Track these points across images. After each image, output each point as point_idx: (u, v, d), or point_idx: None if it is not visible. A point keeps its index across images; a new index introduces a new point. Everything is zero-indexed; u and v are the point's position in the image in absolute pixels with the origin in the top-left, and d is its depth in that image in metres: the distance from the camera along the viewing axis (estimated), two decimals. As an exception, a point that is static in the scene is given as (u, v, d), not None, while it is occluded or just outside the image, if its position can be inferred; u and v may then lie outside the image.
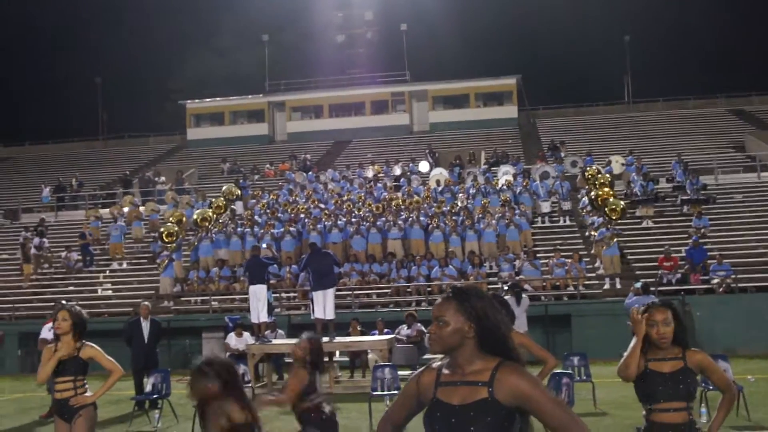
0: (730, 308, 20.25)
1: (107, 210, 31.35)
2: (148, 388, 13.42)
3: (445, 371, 3.23)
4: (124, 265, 27.55)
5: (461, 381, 3.16)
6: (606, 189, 23.28)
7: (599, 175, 24.87)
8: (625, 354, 5.03)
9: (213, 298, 23.51)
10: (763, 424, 10.56)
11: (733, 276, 21.07)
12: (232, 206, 28.87)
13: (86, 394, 6.83)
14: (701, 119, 41.61)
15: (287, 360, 16.60)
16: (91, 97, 56.58)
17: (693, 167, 29.15)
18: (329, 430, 6.86)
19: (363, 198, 28.18)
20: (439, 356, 3.31)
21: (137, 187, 35.75)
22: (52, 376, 6.87)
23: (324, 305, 15.88)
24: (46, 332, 14.49)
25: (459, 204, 26.75)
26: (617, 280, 22.13)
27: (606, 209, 22.65)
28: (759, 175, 29.55)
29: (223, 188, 29.13)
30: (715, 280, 21.21)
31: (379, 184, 30.63)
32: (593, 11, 64.35)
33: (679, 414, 4.80)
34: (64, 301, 12.79)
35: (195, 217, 25.56)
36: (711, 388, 9.86)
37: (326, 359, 14.20)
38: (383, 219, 25.48)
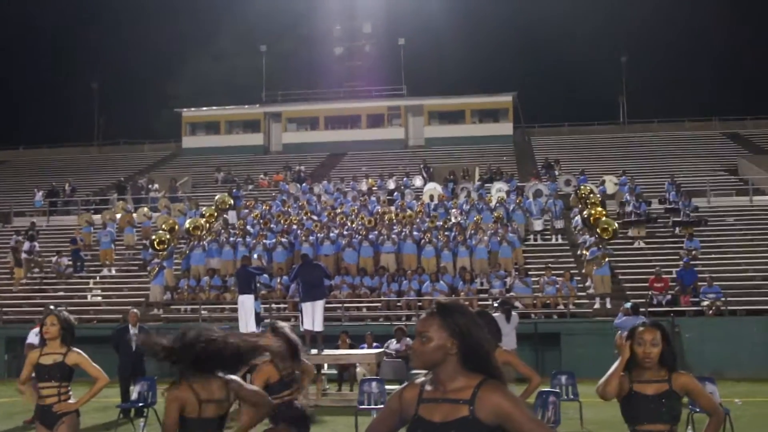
0: (720, 331, 20.26)
1: (99, 216, 31.28)
2: (134, 396, 13.35)
3: (428, 387, 3.23)
4: (113, 272, 27.46)
5: (443, 398, 3.15)
6: (599, 208, 23.35)
7: (591, 195, 24.96)
8: (608, 373, 5.05)
9: (203, 307, 23.45)
10: (748, 448, 10.56)
11: (723, 299, 21.10)
12: (225, 216, 28.86)
13: (70, 400, 6.76)
14: (695, 141, 41.82)
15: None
16: (88, 103, 56.65)
17: (686, 189, 29.26)
18: (300, 427, 6.74)
19: (356, 211, 28.20)
20: (425, 372, 3.32)
21: (129, 194, 35.71)
22: (35, 382, 6.81)
23: (313, 317, 15.83)
24: (33, 337, 14.41)
25: (452, 219, 26.77)
26: (607, 299, 22.13)
27: (598, 229, 22.71)
28: (751, 198, 29.71)
29: (216, 198, 29.16)
30: (705, 303, 21.24)
31: (372, 198, 30.65)
32: (591, 32, 64.62)
33: (663, 437, 4.82)
34: (52, 306, 12.77)
35: (187, 225, 25.53)
36: (697, 410, 9.87)
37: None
38: (375, 232, 25.47)
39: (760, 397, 15.83)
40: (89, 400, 7.10)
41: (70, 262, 27.35)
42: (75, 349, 6.88)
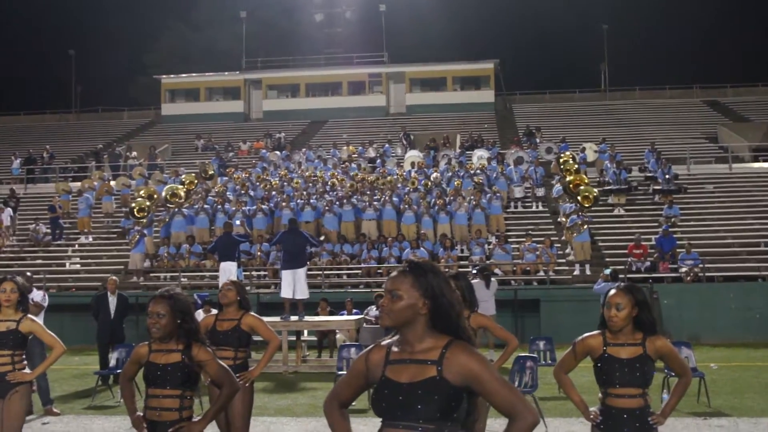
0: (697, 297, 20.45)
1: (78, 183, 31.01)
2: (112, 362, 13.31)
3: (395, 349, 3.19)
4: (90, 239, 27.24)
5: (410, 359, 3.12)
6: (578, 175, 23.38)
7: (571, 162, 25.01)
8: (566, 384, 5.32)
9: (183, 274, 23.38)
10: (722, 410, 10.69)
11: (700, 265, 21.27)
12: (204, 184, 28.72)
13: (25, 370, 6.48)
14: (676, 109, 41.91)
15: (255, 338, 16.56)
16: (65, 70, 55.97)
17: (666, 156, 29.36)
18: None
19: (336, 175, 28.15)
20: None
21: (107, 162, 35.43)
22: None
23: (294, 285, 15.78)
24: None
25: (435, 176, 26.80)
26: (587, 266, 22.26)
27: (578, 196, 22.76)
28: (730, 166, 29.88)
29: (198, 165, 28.98)
30: (683, 269, 21.41)
31: (353, 165, 30.56)
32: (573, -1, 64.49)
33: (634, 400, 4.83)
34: (29, 273, 12.64)
35: (164, 193, 25.38)
36: (673, 374, 9.96)
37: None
38: (357, 197, 25.42)
39: (736, 361, 16.02)
40: (45, 370, 6.91)
41: (49, 230, 27.14)
42: (30, 316, 6.58)
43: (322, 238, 22.41)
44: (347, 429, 3.38)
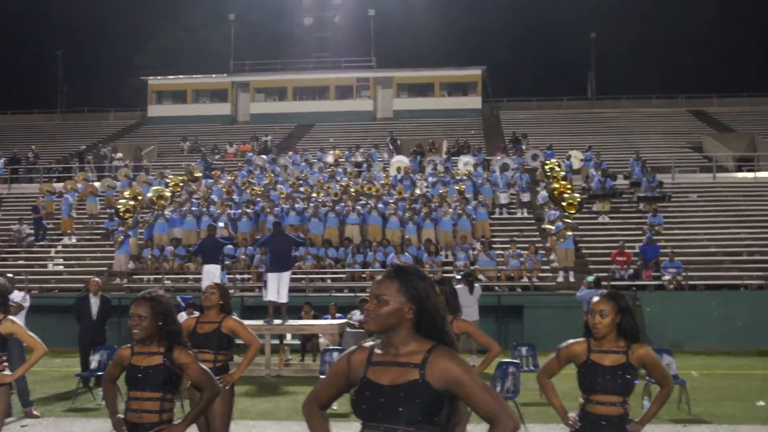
0: (679, 305, 20.55)
1: (62, 184, 30.83)
2: (93, 365, 13.23)
3: (378, 351, 3.20)
4: (73, 240, 27.07)
5: (393, 362, 3.13)
6: (563, 182, 23.50)
7: (557, 169, 25.13)
8: (548, 389, 5.30)
9: (166, 276, 23.28)
10: (702, 418, 10.75)
11: (683, 273, 21.37)
12: (190, 186, 28.64)
13: (5, 372, 6.46)
14: (662, 118, 42.12)
15: (237, 341, 16.50)
16: (52, 69, 55.67)
17: (651, 165, 29.52)
18: None
19: (322, 182, 28.10)
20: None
21: (92, 163, 35.26)
22: None
23: (278, 288, 15.79)
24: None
25: (418, 192, 26.79)
26: (571, 273, 22.32)
27: (563, 203, 22.86)
28: (714, 175, 30.11)
29: (183, 167, 28.90)
30: (666, 277, 21.50)
31: (339, 169, 30.54)
32: (561, 7, 64.66)
33: (614, 408, 4.86)
34: (10, 275, 12.53)
35: (150, 194, 25.31)
36: (654, 381, 10.00)
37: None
38: (342, 204, 25.40)
39: (717, 369, 16.11)
40: (26, 371, 6.88)
41: (32, 231, 26.97)
42: (10, 317, 6.52)
43: (301, 235, 22.39)
44: (327, 430, 3.37)
